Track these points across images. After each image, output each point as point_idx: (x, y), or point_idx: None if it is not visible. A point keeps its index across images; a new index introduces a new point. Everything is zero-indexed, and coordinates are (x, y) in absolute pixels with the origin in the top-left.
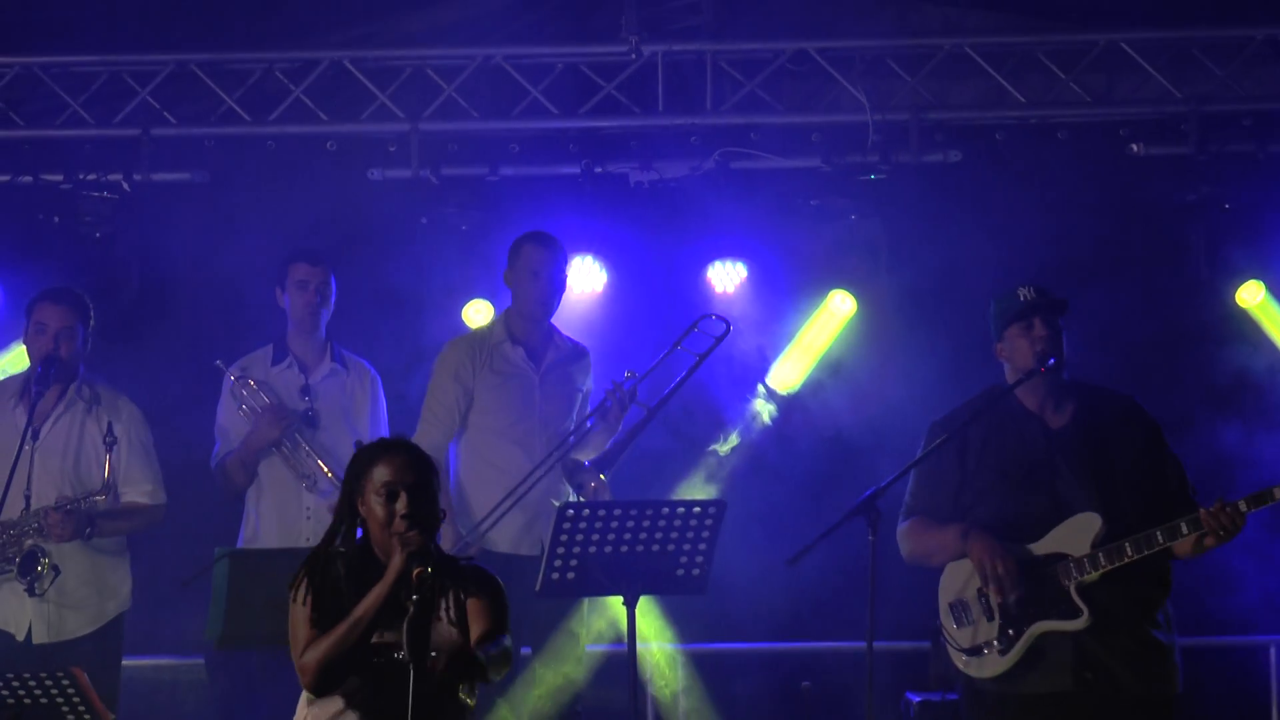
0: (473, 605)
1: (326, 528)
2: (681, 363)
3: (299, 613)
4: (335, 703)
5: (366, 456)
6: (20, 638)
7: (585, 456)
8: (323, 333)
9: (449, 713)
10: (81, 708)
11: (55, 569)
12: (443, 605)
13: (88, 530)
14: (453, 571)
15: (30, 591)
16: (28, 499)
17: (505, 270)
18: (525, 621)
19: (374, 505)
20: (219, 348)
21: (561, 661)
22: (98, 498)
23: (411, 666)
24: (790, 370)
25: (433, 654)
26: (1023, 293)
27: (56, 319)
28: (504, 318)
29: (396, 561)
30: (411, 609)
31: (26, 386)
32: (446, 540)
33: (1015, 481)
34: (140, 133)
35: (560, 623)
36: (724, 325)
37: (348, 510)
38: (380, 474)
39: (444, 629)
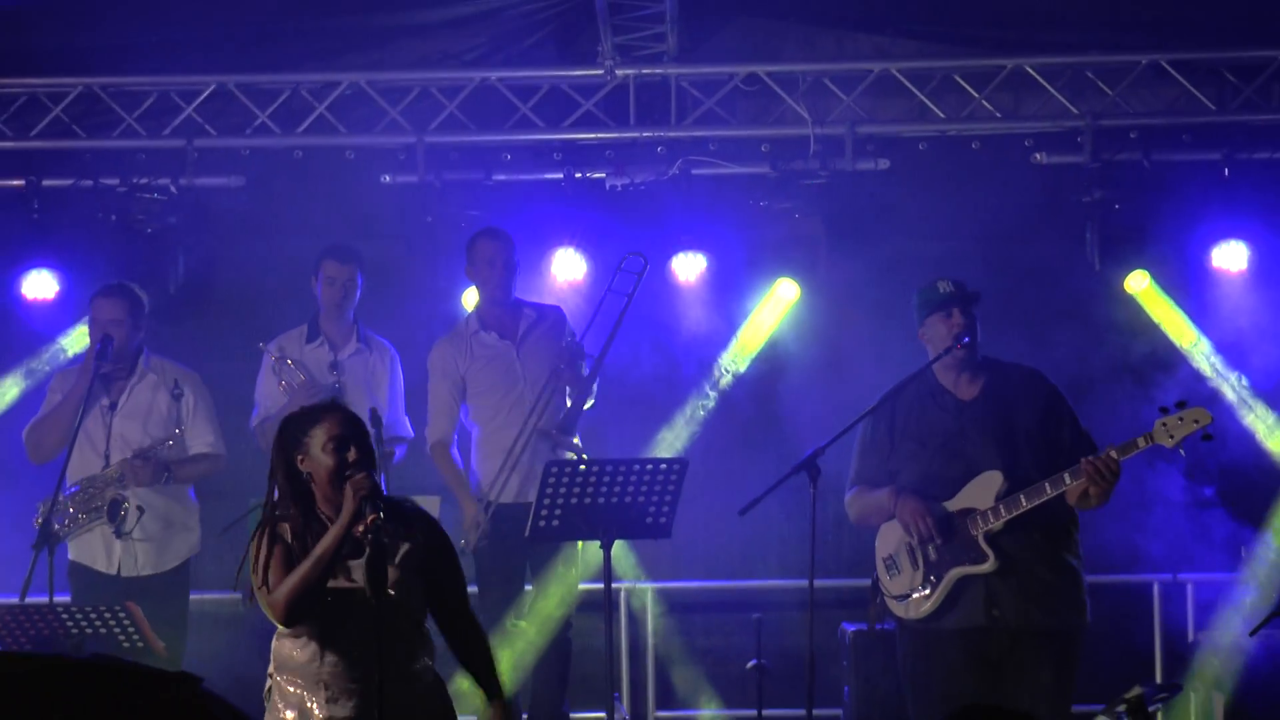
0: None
1: None
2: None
3: (263, 560)
4: (300, 639)
5: (303, 419)
6: (111, 572)
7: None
8: (351, 316)
9: (412, 643)
10: (136, 637)
11: (140, 509)
12: (398, 552)
13: (165, 475)
14: (399, 515)
15: (117, 533)
16: (107, 458)
17: (466, 267)
18: (527, 561)
19: (322, 458)
20: (252, 328)
21: (557, 595)
22: (169, 442)
23: (374, 602)
24: (743, 346)
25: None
26: (942, 285)
27: (105, 312)
28: (475, 311)
29: (350, 504)
30: (369, 550)
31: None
32: (467, 514)
33: (932, 449)
34: (185, 143)
35: (556, 562)
36: (642, 262)
37: (286, 471)
38: (327, 429)
39: (393, 573)
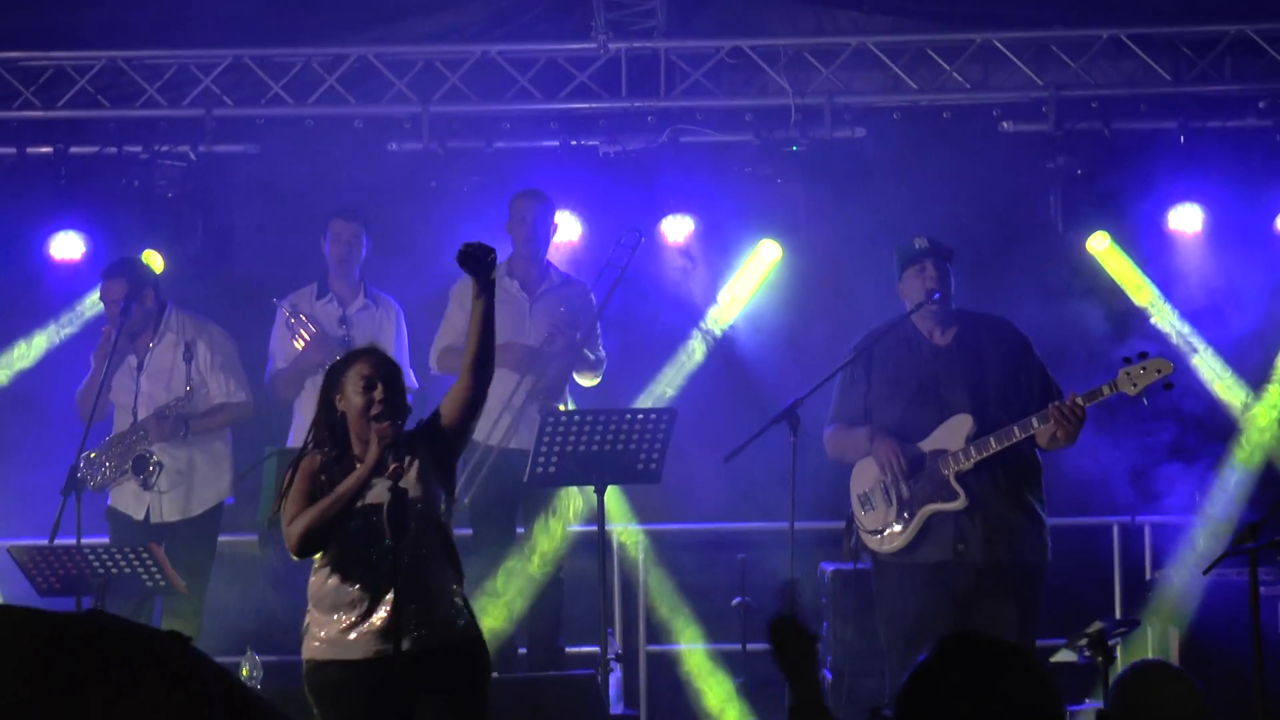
0: (441, 415)
1: None
2: (635, 284)
3: (288, 492)
4: (326, 568)
5: (342, 363)
6: (139, 518)
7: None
8: (357, 274)
9: (441, 564)
10: (158, 575)
11: (160, 465)
12: (409, 467)
13: (183, 430)
14: (411, 441)
15: (144, 486)
16: (135, 417)
17: (507, 221)
18: (520, 505)
19: (353, 397)
20: (266, 286)
21: (549, 537)
22: (183, 401)
23: (394, 547)
24: (729, 303)
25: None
26: (918, 242)
27: (110, 293)
28: (508, 259)
29: (374, 451)
30: (390, 497)
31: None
32: None
33: (907, 392)
34: (204, 113)
35: (548, 505)
36: (638, 237)
37: (325, 410)
38: (359, 370)
39: (423, 492)
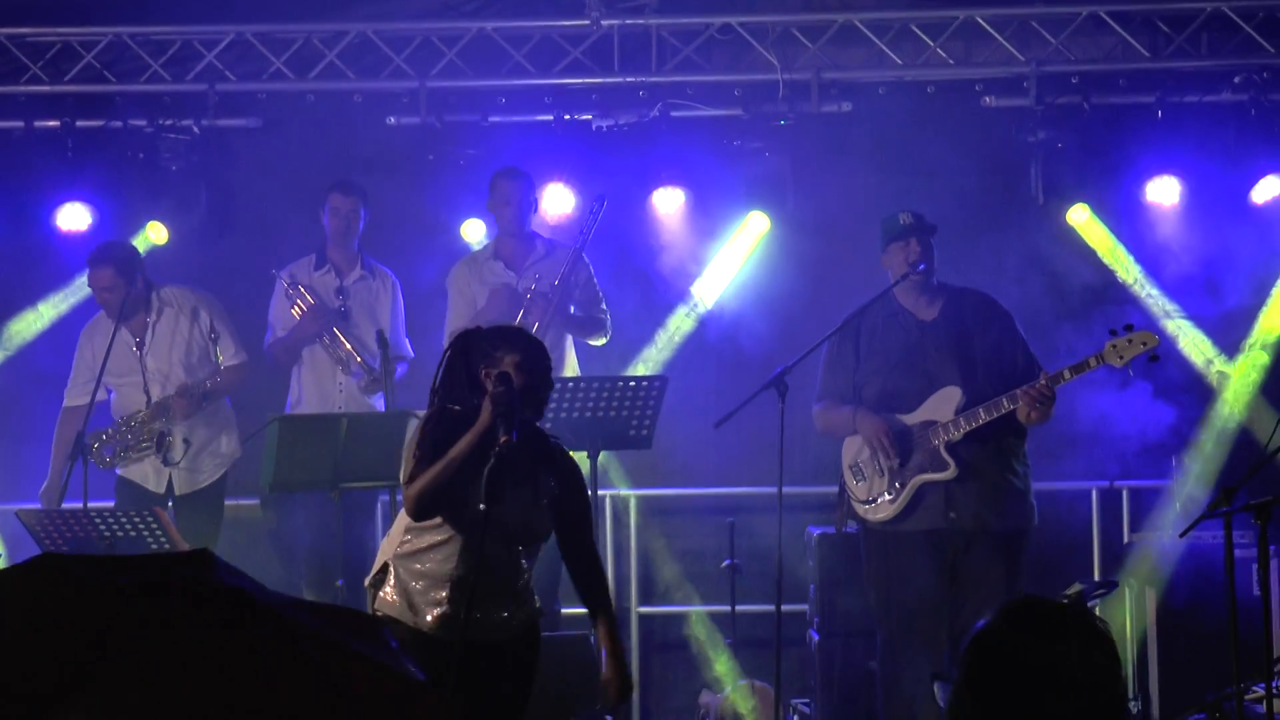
0: (569, 516)
1: (354, 400)
2: (628, 255)
3: (411, 453)
4: (435, 534)
5: (496, 337)
6: (160, 491)
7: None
8: (355, 245)
9: (529, 565)
10: (163, 538)
11: (186, 442)
12: (535, 490)
13: (204, 403)
14: (545, 453)
15: (165, 463)
16: (148, 395)
17: (487, 200)
18: None
19: (514, 377)
20: (268, 257)
21: None
22: (206, 381)
23: (485, 510)
24: (718, 274)
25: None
26: (903, 217)
27: (97, 281)
28: (494, 239)
29: (485, 416)
30: (491, 462)
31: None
32: None
33: (895, 365)
34: (207, 88)
35: None
36: (601, 200)
37: (466, 377)
38: (515, 358)
39: (535, 510)
